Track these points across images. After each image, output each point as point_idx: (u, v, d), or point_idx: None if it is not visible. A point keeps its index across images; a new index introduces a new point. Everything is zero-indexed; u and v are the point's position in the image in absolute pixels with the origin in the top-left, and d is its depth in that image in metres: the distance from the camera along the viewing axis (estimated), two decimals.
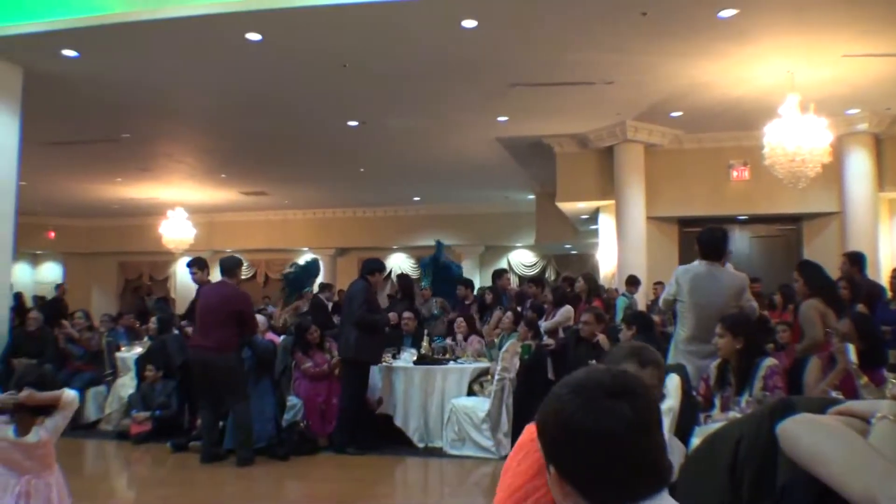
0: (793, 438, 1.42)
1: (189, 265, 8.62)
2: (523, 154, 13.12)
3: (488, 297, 10.95)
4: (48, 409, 3.74)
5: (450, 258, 12.68)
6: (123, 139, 12.41)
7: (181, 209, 16.96)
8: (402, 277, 11.37)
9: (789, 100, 8.96)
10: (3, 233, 8.97)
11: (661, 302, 6.51)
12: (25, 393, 3.66)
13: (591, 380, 1.36)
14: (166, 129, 12.13)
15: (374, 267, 8.60)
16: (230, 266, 7.93)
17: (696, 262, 5.94)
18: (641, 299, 10.85)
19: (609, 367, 1.47)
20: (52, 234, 21.19)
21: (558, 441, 1.30)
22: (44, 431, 3.72)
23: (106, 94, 10.04)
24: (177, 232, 16.87)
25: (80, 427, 9.00)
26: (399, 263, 20.15)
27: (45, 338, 9.94)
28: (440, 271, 13.16)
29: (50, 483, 3.75)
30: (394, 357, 8.97)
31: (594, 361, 6.20)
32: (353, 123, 11.37)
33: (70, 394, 3.82)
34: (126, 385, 9.40)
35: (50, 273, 22.60)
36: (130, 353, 10.01)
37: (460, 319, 9.80)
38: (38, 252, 21.92)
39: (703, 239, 5.93)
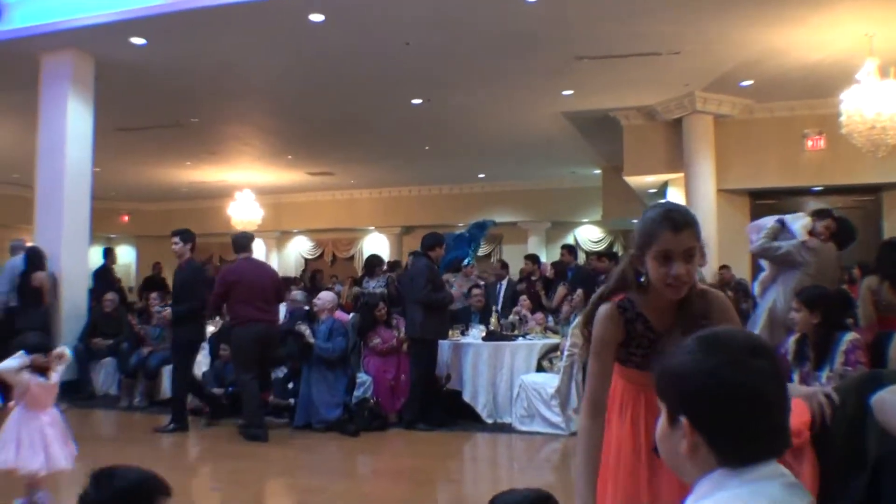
0: (891, 409, 1.39)
1: (175, 234, 8.48)
2: (589, 128, 12.96)
3: (550, 273, 10.87)
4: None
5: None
6: (192, 124, 12.59)
7: (249, 191, 17.16)
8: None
9: (867, 65, 8.62)
10: (80, 217, 9.20)
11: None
12: (59, 349, 5.01)
13: (729, 337, 1.40)
14: (233, 113, 12.26)
15: (433, 242, 8.60)
16: (246, 242, 8.18)
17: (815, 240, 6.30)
18: (708, 277, 10.63)
19: (736, 328, 1.56)
20: (126, 218, 21.62)
21: (699, 393, 1.32)
22: (56, 377, 4.87)
23: (174, 80, 10.19)
24: (245, 213, 17.08)
25: (156, 403, 9.21)
26: None
27: (121, 318, 10.23)
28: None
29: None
30: (462, 333, 8.98)
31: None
32: (416, 101, 11.34)
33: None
34: (199, 363, 9.56)
35: (123, 256, 23.09)
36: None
37: (524, 297, 9.75)
38: (112, 236, 22.38)
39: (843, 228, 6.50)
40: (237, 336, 7.89)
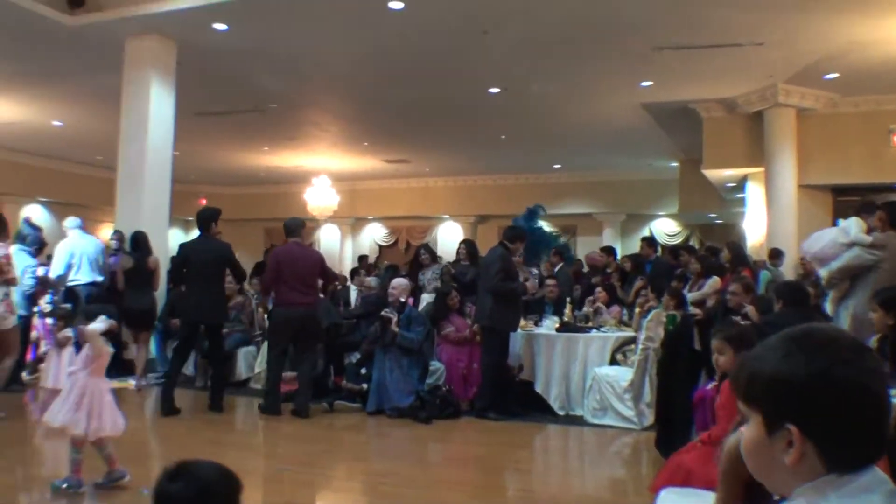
0: None
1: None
2: (667, 120, 12.80)
3: (628, 266, 10.76)
4: None
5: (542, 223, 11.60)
6: (270, 109, 12.77)
7: (325, 177, 17.34)
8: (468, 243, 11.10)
9: None
10: (160, 200, 9.42)
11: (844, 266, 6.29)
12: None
13: (829, 336, 1.31)
14: (311, 99, 12.40)
15: (515, 234, 8.59)
16: (295, 226, 8.32)
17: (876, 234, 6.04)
18: (789, 272, 10.45)
19: (826, 325, 1.43)
20: (204, 202, 22.02)
21: (812, 398, 1.23)
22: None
23: (254, 66, 10.35)
24: (321, 199, 17.28)
25: (231, 384, 9.39)
26: None
27: None
28: (533, 237, 11.56)
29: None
30: (536, 324, 8.96)
31: (740, 317, 6.05)
32: (494, 90, 11.34)
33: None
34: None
35: None
36: None
37: (599, 289, 9.69)
38: (189, 218, 22.80)
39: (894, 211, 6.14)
40: (274, 315, 8.27)
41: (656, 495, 3.63)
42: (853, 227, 6.15)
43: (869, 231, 6.17)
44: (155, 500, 1.81)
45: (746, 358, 1.36)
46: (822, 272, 6.39)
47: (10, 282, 7.04)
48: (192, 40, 9.38)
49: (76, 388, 4.80)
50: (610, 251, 11.89)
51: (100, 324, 4.87)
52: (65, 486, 4.81)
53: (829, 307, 6.82)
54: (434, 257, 11.03)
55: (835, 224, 11.13)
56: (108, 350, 4.93)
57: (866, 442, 1.24)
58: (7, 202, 17.18)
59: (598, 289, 9.81)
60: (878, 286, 5.62)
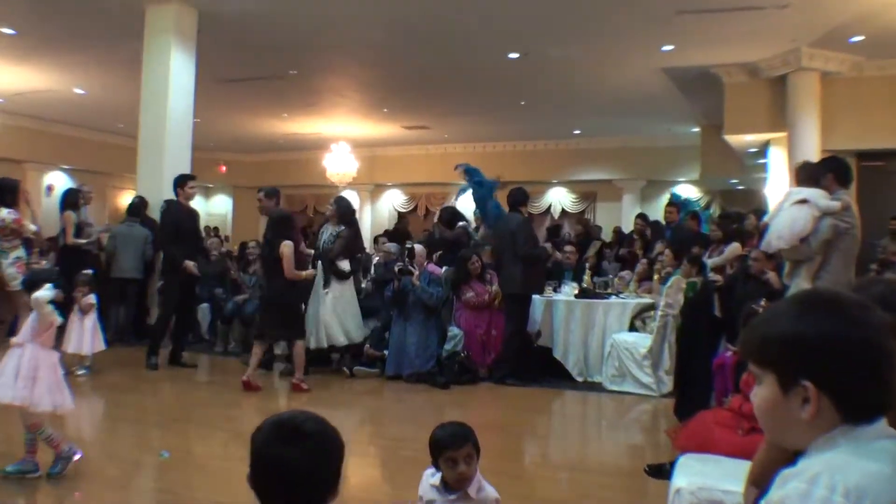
0: None
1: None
2: (689, 85, 12.65)
3: (648, 232, 10.72)
4: None
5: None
6: (290, 76, 12.73)
7: (344, 143, 17.31)
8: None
9: None
10: (180, 167, 9.44)
11: None
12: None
13: (835, 295, 1.42)
14: (331, 65, 12.34)
15: (524, 197, 8.75)
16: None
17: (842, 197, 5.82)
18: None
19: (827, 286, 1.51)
20: (224, 169, 22.06)
21: (827, 354, 1.31)
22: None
23: (273, 32, 10.30)
24: (340, 165, 17.28)
25: (250, 349, 9.43)
26: (559, 199, 20.00)
27: (222, 266, 10.54)
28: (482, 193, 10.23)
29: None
30: (554, 290, 8.95)
31: (763, 299, 6.01)
32: (513, 55, 11.24)
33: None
34: None
35: (221, 205, 23.63)
36: None
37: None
38: (210, 185, 22.88)
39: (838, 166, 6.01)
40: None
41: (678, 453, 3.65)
42: (819, 198, 5.82)
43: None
44: (265, 463, 1.70)
45: (756, 322, 1.44)
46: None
47: (30, 241, 7.27)
48: (213, 7, 9.34)
49: (27, 363, 4.48)
50: (645, 218, 11.89)
51: (45, 292, 4.52)
52: (14, 470, 4.49)
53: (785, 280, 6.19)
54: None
55: (858, 189, 11.01)
56: (56, 320, 4.65)
57: (878, 392, 1.31)
58: (31, 170, 17.31)
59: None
60: (849, 252, 5.66)
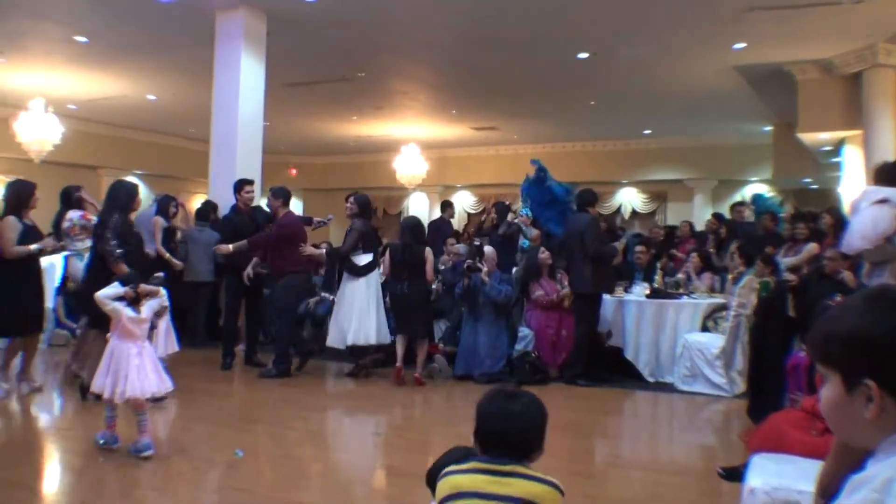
0: None
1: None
2: (761, 83, 12.49)
3: (722, 232, 10.62)
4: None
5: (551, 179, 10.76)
6: (358, 78, 12.88)
7: (414, 145, 17.42)
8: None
9: None
10: (252, 170, 9.67)
11: None
12: (151, 287, 5.28)
13: None
14: (400, 67, 12.46)
15: (593, 198, 8.78)
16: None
17: None
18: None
19: None
20: (294, 172, 22.34)
21: (889, 352, 1.26)
22: (147, 310, 5.13)
23: (342, 35, 10.43)
24: (410, 167, 17.37)
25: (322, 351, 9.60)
26: (630, 199, 19.87)
27: None
28: (542, 195, 10.59)
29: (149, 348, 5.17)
30: (625, 290, 8.94)
31: (838, 294, 5.92)
32: (583, 55, 11.23)
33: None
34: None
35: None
36: None
37: (695, 254, 9.60)
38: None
39: None
40: None
41: (751, 455, 3.65)
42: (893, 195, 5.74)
43: None
44: (493, 415, 2.34)
45: (822, 320, 1.38)
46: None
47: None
48: (282, 11, 9.51)
49: (107, 357, 5.02)
50: (720, 217, 11.82)
51: (108, 290, 5.06)
52: (101, 441, 5.13)
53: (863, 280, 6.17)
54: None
55: None
56: (125, 314, 5.00)
57: None
58: (105, 175, 17.77)
59: (693, 254, 9.73)
60: None
